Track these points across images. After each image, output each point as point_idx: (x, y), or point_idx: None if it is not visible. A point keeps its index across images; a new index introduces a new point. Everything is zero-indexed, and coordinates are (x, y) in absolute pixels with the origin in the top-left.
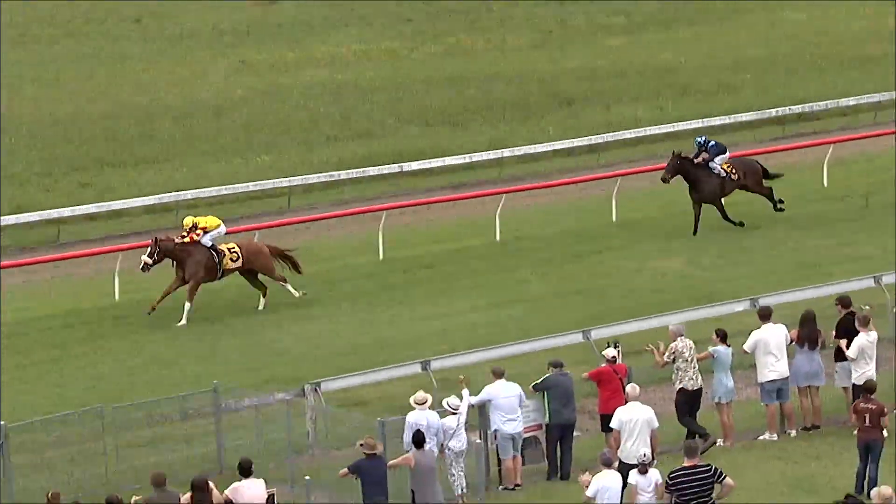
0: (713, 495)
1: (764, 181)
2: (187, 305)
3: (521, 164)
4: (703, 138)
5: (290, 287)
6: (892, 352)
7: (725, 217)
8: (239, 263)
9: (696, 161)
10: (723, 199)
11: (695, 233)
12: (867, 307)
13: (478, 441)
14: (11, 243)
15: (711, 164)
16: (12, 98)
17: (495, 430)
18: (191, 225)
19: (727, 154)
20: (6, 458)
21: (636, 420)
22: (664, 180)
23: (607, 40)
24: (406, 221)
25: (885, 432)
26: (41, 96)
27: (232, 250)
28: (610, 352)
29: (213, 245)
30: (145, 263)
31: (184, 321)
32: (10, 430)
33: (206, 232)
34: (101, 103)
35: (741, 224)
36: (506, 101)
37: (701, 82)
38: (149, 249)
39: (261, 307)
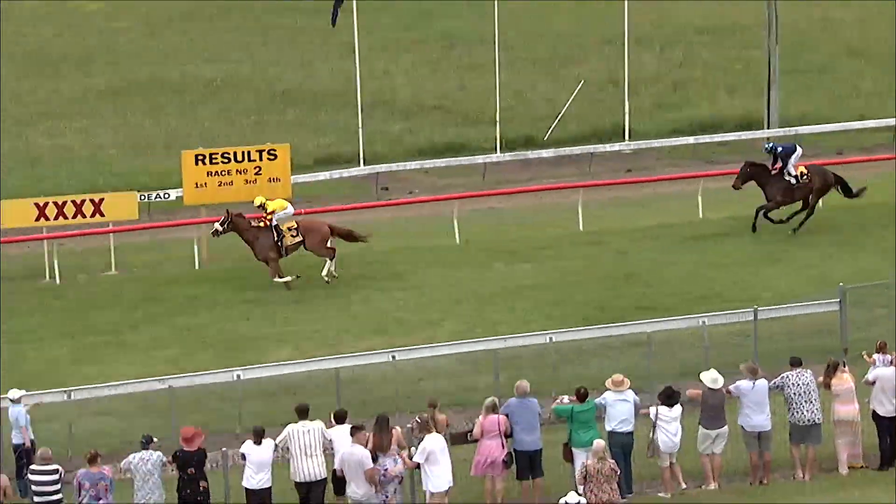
0: None
1: (846, 196)
2: (278, 279)
3: None
4: (772, 144)
5: (328, 266)
6: None
7: (777, 220)
8: (299, 239)
9: (772, 170)
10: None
11: (798, 225)
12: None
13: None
14: None
15: (786, 170)
16: None
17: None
18: (259, 204)
19: (799, 152)
20: None
21: None
22: (735, 187)
23: None
24: None
25: None
26: None
27: (291, 228)
28: None
29: (276, 225)
30: (216, 230)
31: (288, 283)
32: None
33: (274, 213)
34: None
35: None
36: None
37: None
38: (221, 218)
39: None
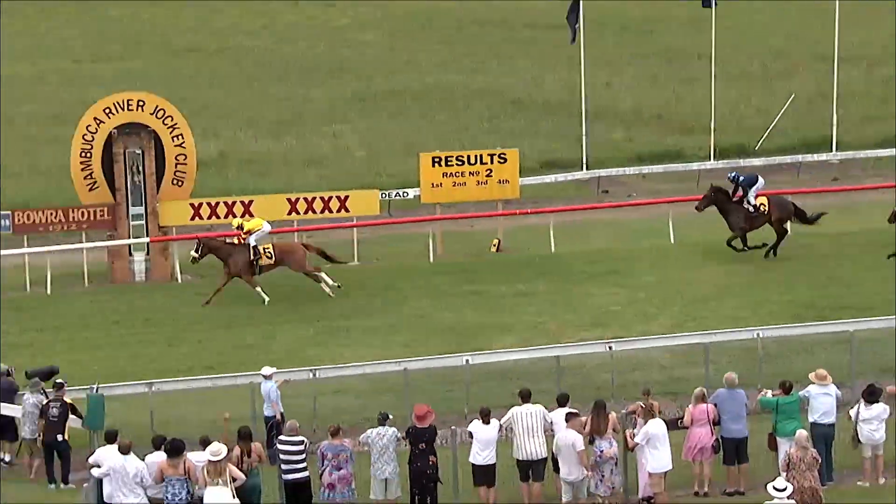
0: None
1: (803, 223)
2: (257, 290)
3: None
4: (734, 173)
5: (325, 278)
6: None
7: (739, 248)
8: (272, 261)
9: (733, 197)
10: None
11: (755, 248)
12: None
13: None
14: None
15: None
16: None
17: None
18: (237, 226)
19: (760, 182)
20: None
21: None
22: (698, 209)
23: None
24: None
25: None
26: None
27: (266, 249)
28: None
29: (255, 245)
30: (193, 258)
31: (265, 298)
32: None
33: (251, 233)
34: None
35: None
36: None
37: None
38: (195, 247)
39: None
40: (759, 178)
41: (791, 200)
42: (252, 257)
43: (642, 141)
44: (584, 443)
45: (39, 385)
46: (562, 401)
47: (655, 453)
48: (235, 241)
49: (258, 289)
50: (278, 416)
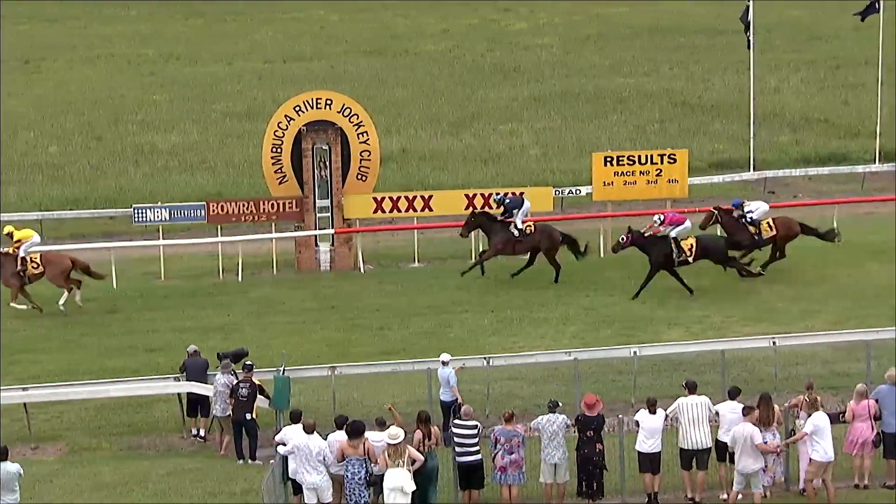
0: None
1: (577, 256)
2: (15, 304)
3: None
4: (500, 195)
5: (76, 294)
6: None
7: (480, 264)
8: (40, 270)
9: (501, 219)
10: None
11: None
12: None
13: None
14: None
15: (513, 221)
16: None
17: None
18: (7, 233)
19: (526, 206)
20: None
21: None
22: (462, 235)
23: None
24: None
25: None
26: None
27: (33, 260)
28: None
29: (23, 256)
30: None
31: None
32: None
33: (21, 243)
34: None
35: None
36: None
37: None
38: None
39: (61, 303)
40: (526, 201)
41: (555, 229)
42: (21, 266)
43: (809, 144)
44: (760, 435)
45: (230, 366)
46: (733, 394)
47: (822, 443)
48: (9, 250)
49: (19, 300)
50: (460, 400)
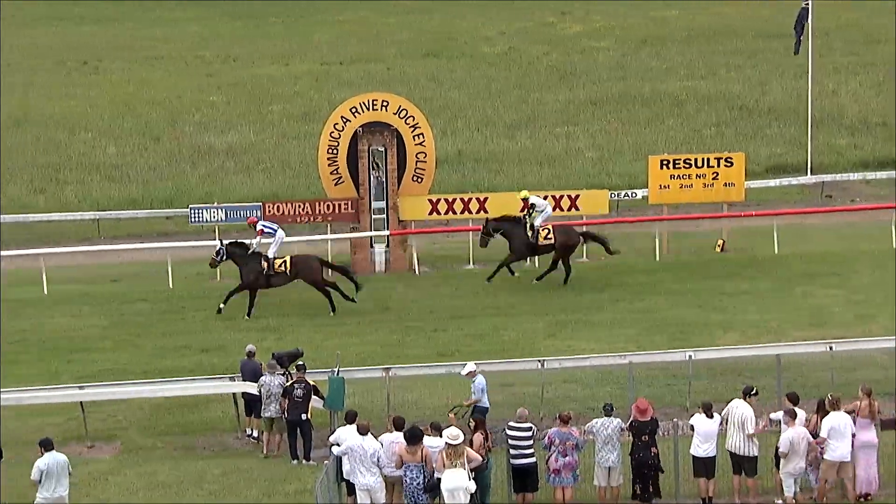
0: None
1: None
2: None
3: None
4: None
5: None
6: None
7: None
8: None
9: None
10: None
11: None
12: None
13: None
14: None
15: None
16: None
17: None
18: None
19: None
20: None
21: None
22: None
23: None
24: None
25: None
26: None
27: None
28: None
29: None
30: None
31: None
32: None
33: None
34: None
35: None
36: None
37: None
38: None
39: None
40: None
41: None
42: None
43: (867, 147)
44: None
45: (276, 368)
46: (793, 399)
47: (834, 445)
48: None
49: None
50: (487, 405)
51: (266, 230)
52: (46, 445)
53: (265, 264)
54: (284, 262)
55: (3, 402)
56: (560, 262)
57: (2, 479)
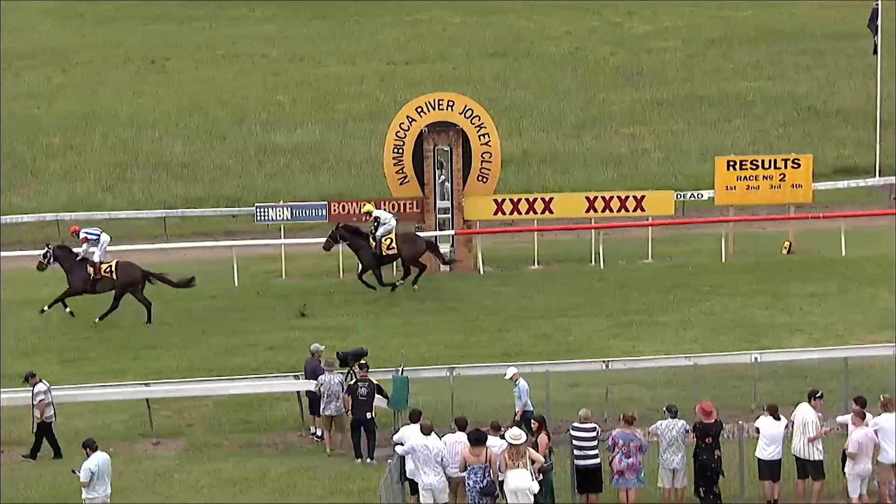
0: None
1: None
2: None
3: None
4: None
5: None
6: None
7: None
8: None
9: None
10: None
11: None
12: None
13: None
14: None
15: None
16: None
17: None
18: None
19: (102, 242)
20: None
21: None
22: (326, 248)
23: None
24: None
25: None
26: None
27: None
28: None
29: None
30: None
31: None
32: None
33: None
34: None
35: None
36: None
37: None
38: None
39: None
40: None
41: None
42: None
43: None
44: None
45: (333, 365)
46: (860, 403)
47: (885, 445)
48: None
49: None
50: (531, 409)
51: (90, 237)
52: (91, 446)
53: (91, 270)
54: (110, 266)
55: (72, 398)
56: (410, 266)
57: (2, 478)
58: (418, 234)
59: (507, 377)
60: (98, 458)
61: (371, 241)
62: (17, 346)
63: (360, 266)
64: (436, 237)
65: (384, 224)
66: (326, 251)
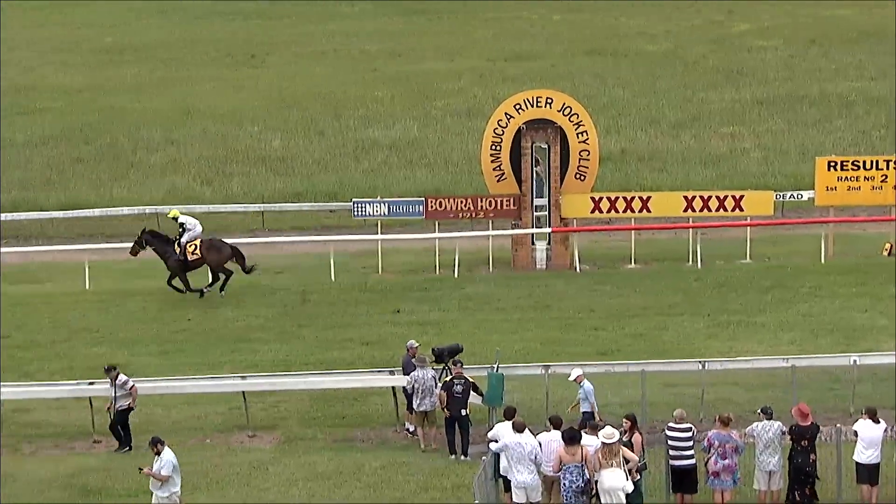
0: None
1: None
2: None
3: None
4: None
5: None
6: None
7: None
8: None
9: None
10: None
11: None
12: None
13: None
14: None
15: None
16: None
17: None
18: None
19: (198, 230)
20: None
21: None
22: (133, 253)
23: None
24: None
25: None
26: None
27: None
28: None
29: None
30: None
31: None
32: None
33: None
34: None
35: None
36: None
37: None
38: None
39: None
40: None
41: (224, 242)
42: (180, 254)
43: None
44: None
45: (425, 361)
46: None
47: None
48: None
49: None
50: (596, 412)
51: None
52: (162, 442)
53: (178, 250)
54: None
55: (168, 390)
56: (217, 272)
57: (2, 477)
58: (223, 241)
59: (571, 378)
60: (172, 454)
61: (176, 247)
62: (116, 336)
63: (168, 273)
64: (532, 235)
65: (189, 230)
66: (133, 256)
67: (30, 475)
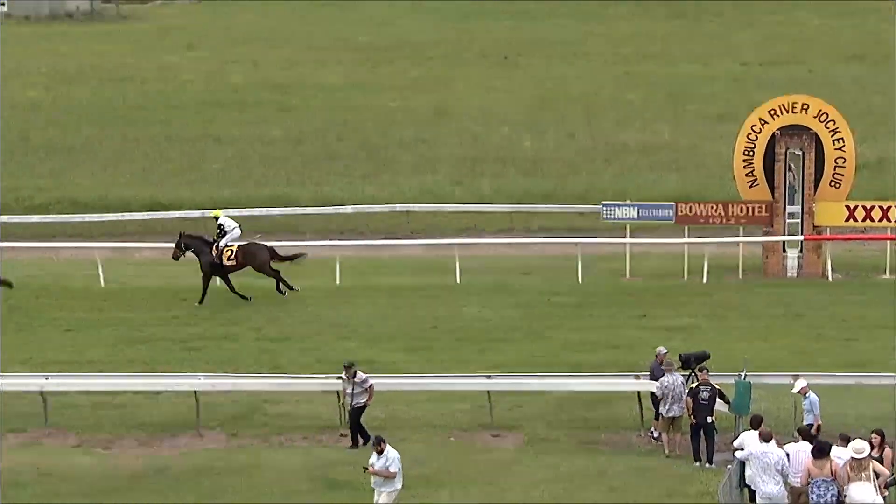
0: None
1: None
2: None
3: None
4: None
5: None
6: None
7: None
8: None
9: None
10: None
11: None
12: None
13: None
14: None
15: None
16: None
17: None
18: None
19: (236, 234)
20: None
21: None
22: (175, 258)
23: None
24: None
25: None
26: None
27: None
28: None
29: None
30: None
31: None
32: None
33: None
34: None
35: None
36: None
37: None
38: None
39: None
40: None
41: (263, 245)
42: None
43: None
44: None
45: (671, 367)
46: None
47: None
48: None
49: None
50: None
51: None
52: (385, 441)
53: (214, 253)
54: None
55: (415, 387)
56: (272, 276)
57: (2, 477)
58: (261, 243)
59: (795, 390)
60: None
61: (214, 248)
62: (366, 333)
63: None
64: (784, 242)
65: (229, 232)
66: (175, 260)
67: (280, 465)
